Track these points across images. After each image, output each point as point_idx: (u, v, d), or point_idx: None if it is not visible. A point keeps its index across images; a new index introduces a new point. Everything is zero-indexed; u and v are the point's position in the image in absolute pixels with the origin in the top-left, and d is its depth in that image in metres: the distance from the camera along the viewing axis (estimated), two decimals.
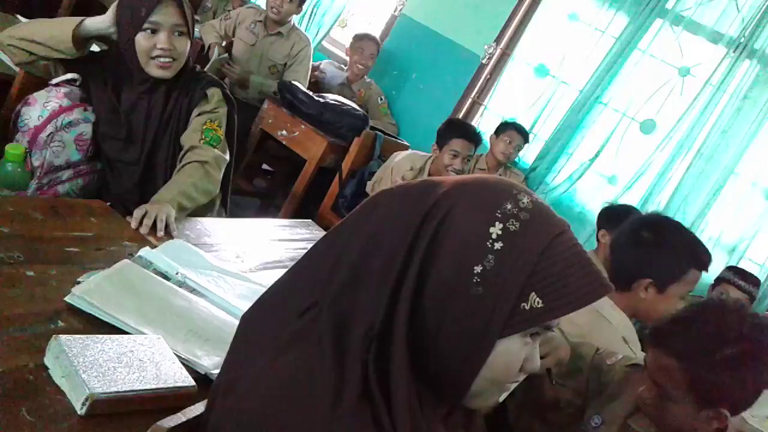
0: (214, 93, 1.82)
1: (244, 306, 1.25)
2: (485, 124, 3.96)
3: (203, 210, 1.79)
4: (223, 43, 3.62)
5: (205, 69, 3.35)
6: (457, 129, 3.08)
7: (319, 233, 2.00)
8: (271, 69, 3.59)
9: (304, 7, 3.78)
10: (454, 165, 3.05)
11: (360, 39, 4.06)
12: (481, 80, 4.05)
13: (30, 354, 0.90)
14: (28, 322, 0.96)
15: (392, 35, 4.43)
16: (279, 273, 1.55)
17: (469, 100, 4.08)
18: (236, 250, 1.61)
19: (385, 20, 4.58)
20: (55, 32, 1.65)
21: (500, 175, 3.47)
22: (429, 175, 3.22)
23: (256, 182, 3.98)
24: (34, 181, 1.60)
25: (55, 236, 1.21)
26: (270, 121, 3.30)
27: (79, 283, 1.08)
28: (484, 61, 4.01)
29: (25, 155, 1.55)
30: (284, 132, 3.29)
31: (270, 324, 0.83)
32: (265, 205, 3.86)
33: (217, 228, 1.69)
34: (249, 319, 0.86)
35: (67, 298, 1.03)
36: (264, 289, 1.36)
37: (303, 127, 3.23)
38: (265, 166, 4.10)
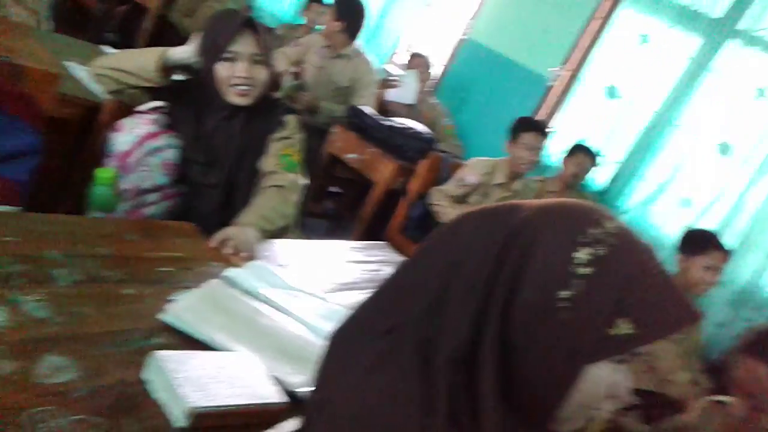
0: (291, 120, 1.88)
1: (326, 326, 1.29)
2: (553, 146, 3.93)
3: (280, 231, 1.84)
4: (293, 69, 3.73)
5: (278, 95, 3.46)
6: (528, 123, 3.16)
7: (393, 255, 2.03)
8: (337, 92, 3.67)
9: (371, 27, 3.85)
10: (530, 157, 3.08)
11: (414, 57, 4.15)
12: (548, 102, 4.03)
13: (130, 369, 0.94)
14: (128, 338, 1.01)
15: (458, 58, 4.47)
16: (356, 294, 1.59)
17: None
18: (313, 271, 1.65)
19: (451, 44, 4.62)
20: (142, 62, 1.75)
21: (570, 197, 3.42)
22: (507, 173, 3.24)
23: (325, 204, 4.05)
24: (123, 204, 1.69)
25: (149, 257, 1.27)
26: (339, 144, 3.36)
27: (171, 301, 1.13)
28: (551, 84, 3.99)
29: (115, 179, 1.64)
30: (353, 155, 3.35)
31: (356, 345, 0.85)
32: (334, 227, 3.93)
33: (293, 249, 1.73)
34: (336, 340, 0.88)
35: (161, 316, 1.08)
36: (343, 310, 1.39)
37: (371, 150, 3.28)
38: (332, 189, 4.17)
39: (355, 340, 0.84)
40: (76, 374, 0.88)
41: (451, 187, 3.21)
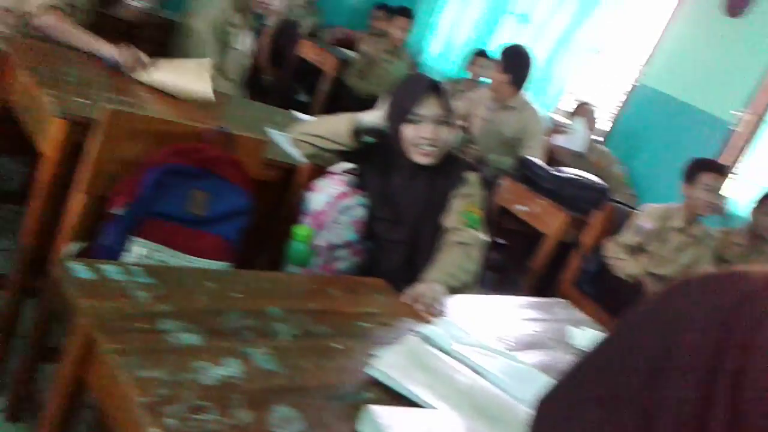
0: (472, 177, 1.92)
1: (520, 387, 1.30)
2: (739, 194, 3.68)
3: (462, 287, 1.88)
4: (462, 123, 3.81)
5: None
6: (705, 163, 3.03)
7: (575, 313, 1.98)
8: (504, 144, 3.69)
9: (537, 76, 3.86)
10: (708, 199, 2.96)
11: (581, 106, 4.08)
12: (731, 148, 3.79)
13: (346, 421, 1.01)
14: (341, 391, 1.08)
15: (631, 104, 4.34)
16: (541, 354, 1.58)
17: None
18: (495, 328, 1.66)
19: (621, 90, 4.51)
20: (335, 128, 1.89)
21: (761, 250, 3.18)
22: (684, 217, 3.08)
23: (492, 256, 4.05)
24: (317, 259, 1.81)
25: (350, 312, 1.35)
26: (507, 196, 3.37)
27: (375, 356, 1.19)
28: (734, 128, 3.76)
29: (310, 236, 1.76)
30: (522, 207, 3.33)
31: (568, 414, 0.84)
32: (501, 280, 3.90)
33: (474, 305, 1.76)
34: (544, 408, 0.88)
35: (368, 370, 1.14)
36: (533, 370, 1.38)
37: (541, 201, 3.25)
38: (499, 240, 4.16)
39: (566, 410, 0.84)
40: (302, 426, 0.95)
41: (626, 236, 3.10)
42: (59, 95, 1.61)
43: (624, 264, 3.08)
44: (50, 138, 1.57)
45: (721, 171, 3.05)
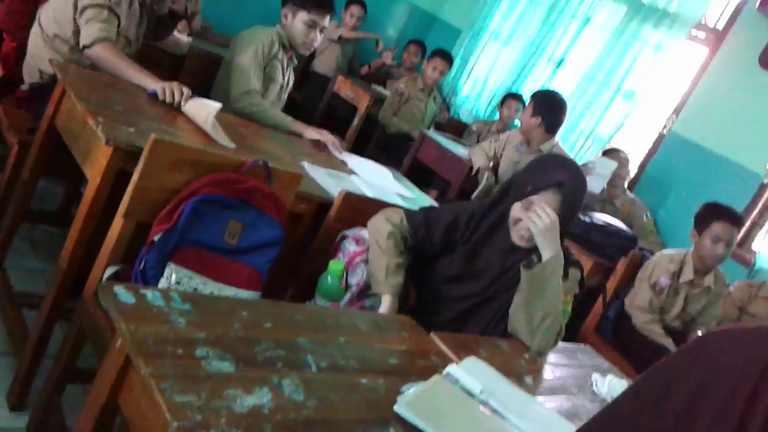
0: (574, 274, 1.90)
1: None
2: (766, 247, 3.65)
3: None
4: (491, 164, 3.84)
5: (475, 192, 3.58)
6: (718, 211, 2.94)
7: (599, 360, 1.98)
8: None
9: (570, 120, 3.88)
10: (716, 251, 2.90)
11: (610, 152, 4.09)
12: (763, 200, 3.76)
13: None
14: (367, 427, 1.09)
15: (660, 152, 4.34)
16: (565, 399, 1.57)
17: (749, 221, 3.80)
18: (520, 372, 1.66)
19: (650, 138, 4.51)
20: (382, 264, 1.84)
21: None
22: (694, 269, 3.04)
23: None
24: (347, 296, 1.84)
25: (379, 348, 1.37)
26: None
27: (402, 393, 1.21)
28: (765, 181, 3.74)
29: (343, 272, 1.80)
30: None
31: None
32: None
33: (500, 347, 1.76)
34: None
35: (395, 408, 1.15)
36: (557, 416, 1.38)
37: (567, 245, 3.25)
38: None
39: None
40: None
41: (652, 299, 3.08)
42: (107, 123, 1.67)
43: (654, 329, 3.08)
44: (96, 164, 1.63)
45: (733, 221, 2.97)
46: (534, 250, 1.79)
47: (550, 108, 3.73)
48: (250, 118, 2.58)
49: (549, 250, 1.74)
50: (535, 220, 1.73)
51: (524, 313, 1.75)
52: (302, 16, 2.68)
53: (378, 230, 1.86)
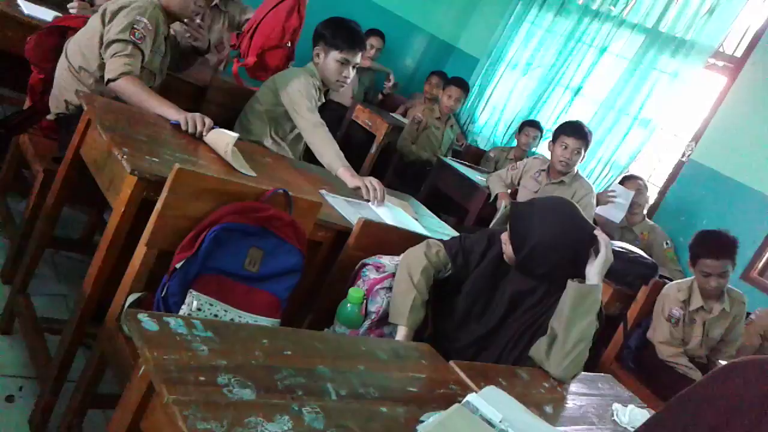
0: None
1: None
2: None
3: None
4: (509, 191, 3.84)
5: (494, 220, 3.58)
6: (705, 246, 2.95)
7: (620, 390, 1.95)
8: None
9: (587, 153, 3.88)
10: (710, 284, 2.93)
11: (628, 180, 4.07)
12: None
13: None
14: None
15: (679, 180, 4.33)
16: (586, 428, 1.56)
17: None
18: (541, 401, 1.65)
19: (670, 165, 4.50)
20: (407, 299, 1.85)
21: None
22: (701, 294, 3.06)
23: None
24: (366, 323, 1.84)
25: (398, 376, 1.37)
26: None
27: (421, 422, 1.21)
28: None
29: (363, 300, 1.80)
30: None
31: None
32: None
33: (520, 377, 1.75)
34: None
35: None
36: None
37: None
38: None
39: None
40: None
41: (671, 331, 3.08)
42: (131, 153, 1.71)
43: (680, 360, 3.06)
44: (121, 192, 1.66)
45: (722, 254, 2.92)
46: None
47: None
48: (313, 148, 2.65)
49: (597, 279, 1.80)
50: None
51: (562, 334, 1.75)
52: (335, 55, 2.72)
53: (413, 264, 1.88)
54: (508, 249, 1.86)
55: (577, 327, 1.74)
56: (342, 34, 2.71)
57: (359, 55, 2.77)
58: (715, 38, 4.35)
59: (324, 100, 2.88)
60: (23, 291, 2.19)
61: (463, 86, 4.83)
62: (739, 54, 4.42)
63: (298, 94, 2.66)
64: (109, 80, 2.27)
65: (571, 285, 1.77)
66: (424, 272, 1.86)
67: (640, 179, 4.09)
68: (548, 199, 1.95)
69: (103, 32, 2.32)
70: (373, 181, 2.47)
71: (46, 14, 2.89)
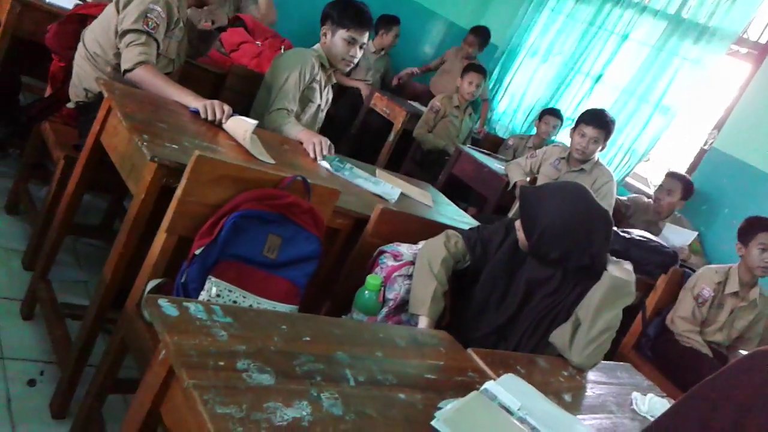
0: None
1: None
2: None
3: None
4: (528, 180, 3.82)
5: (512, 209, 3.56)
6: (762, 222, 3.03)
7: (639, 379, 1.94)
8: None
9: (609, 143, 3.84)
10: (762, 263, 2.96)
11: (670, 177, 3.99)
12: None
13: None
14: None
15: (701, 169, 4.27)
16: (604, 418, 1.55)
17: None
18: (559, 389, 1.64)
19: (692, 154, 4.44)
20: (427, 289, 1.86)
21: None
22: (740, 282, 3.05)
23: None
24: (384, 310, 1.84)
25: (416, 363, 1.37)
26: None
27: (439, 408, 1.21)
28: None
29: (381, 287, 1.80)
30: None
31: None
32: None
33: (539, 365, 1.74)
34: None
35: (433, 423, 1.15)
36: None
37: None
38: None
39: None
40: None
41: (694, 310, 3.05)
42: (152, 140, 1.72)
43: (696, 340, 3.05)
44: (141, 179, 1.67)
45: None
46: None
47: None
48: (274, 131, 2.58)
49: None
50: None
51: (588, 322, 1.75)
52: (342, 34, 2.71)
53: (433, 254, 1.88)
54: (521, 235, 1.85)
55: (604, 317, 1.74)
56: (349, 13, 2.70)
57: (366, 35, 2.76)
58: (738, 24, 4.28)
59: (334, 80, 2.87)
60: (44, 277, 2.21)
61: (481, 71, 4.80)
62: (763, 41, 4.34)
63: (283, 90, 2.64)
64: (126, 70, 2.27)
65: (607, 275, 1.77)
66: (443, 263, 1.85)
67: (685, 176, 4.00)
68: (558, 183, 1.94)
69: (117, 20, 2.32)
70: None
71: (68, 2, 2.90)
